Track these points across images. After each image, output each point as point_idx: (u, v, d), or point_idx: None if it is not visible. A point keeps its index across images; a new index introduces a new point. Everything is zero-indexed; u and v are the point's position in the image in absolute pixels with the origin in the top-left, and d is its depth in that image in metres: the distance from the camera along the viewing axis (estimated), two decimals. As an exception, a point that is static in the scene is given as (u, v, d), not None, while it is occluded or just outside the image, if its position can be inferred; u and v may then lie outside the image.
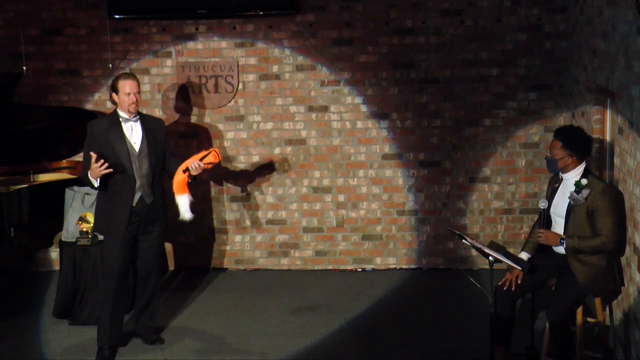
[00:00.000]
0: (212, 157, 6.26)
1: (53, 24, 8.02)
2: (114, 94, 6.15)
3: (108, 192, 6.12)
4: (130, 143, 6.13)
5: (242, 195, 8.13)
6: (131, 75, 6.24)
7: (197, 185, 8.11)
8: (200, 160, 6.22)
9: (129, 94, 6.09)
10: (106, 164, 5.91)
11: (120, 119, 6.15)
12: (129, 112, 6.13)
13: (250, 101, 8.04)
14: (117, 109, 6.17)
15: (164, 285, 7.61)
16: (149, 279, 6.34)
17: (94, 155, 5.92)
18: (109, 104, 8.03)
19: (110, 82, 6.26)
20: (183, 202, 6.18)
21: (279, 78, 7.98)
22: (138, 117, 6.20)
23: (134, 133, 6.17)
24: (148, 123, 6.27)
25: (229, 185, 8.13)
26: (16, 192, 6.79)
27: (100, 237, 6.38)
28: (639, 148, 5.38)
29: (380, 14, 7.84)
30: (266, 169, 8.08)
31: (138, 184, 6.13)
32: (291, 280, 7.87)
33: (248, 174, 8.10)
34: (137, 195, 6.14)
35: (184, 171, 6.17)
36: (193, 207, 6.23)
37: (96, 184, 6.01)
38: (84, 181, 6.14)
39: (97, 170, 5.92)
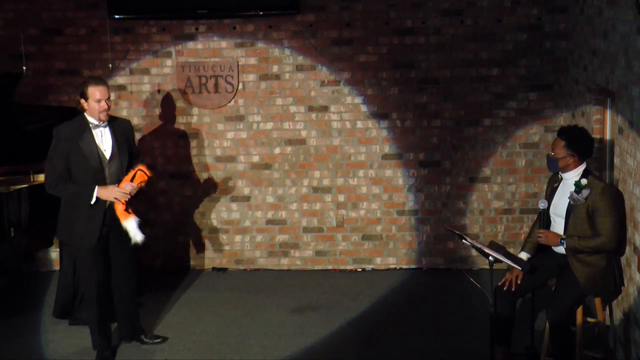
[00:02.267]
0: (140, 177, 5.97)
1: (53, 24, 8.02)
2: (82, 100, 5.89)
3: (75, 201, 5.93)
4: (100, 150, 5.94)
5: (242, 195, 8.13)
6: (101, 81, 5.99)
7: (194, 187, 8.13)
8: (131, 181, 5.96)
9: (99, 100, 5.86)
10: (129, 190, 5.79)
11: (90, 125, 5.93)
12: (100, 119, 5.91)
13: (250, 101, 8.03)
14: (86, 114, 5.94)
15: (164, 285, 7.62)
16: (125, 283, 6.22)
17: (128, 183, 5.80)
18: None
19: (80, 86, 6.03)
20: (131, 227, 5.94)
21: (279, 78, 7.98)
22: (107, 122, 5.97)
23: (104, 139, 5.96)
24: (116, 126, 6.05)
25: (229, 185, 8.13)
26: (16, 192, 6.79)
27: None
28: (639, 148, 5.38)
29: (380, 14, 7.84)
30: (266, 169, 8.08)
31: None
32: (291, 280, 7.86)
33: (248, 174, 8.10)
34: (107, 203, 5.96)
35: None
36: (142, 227, 6.02)
37: (93, 200, 5.86)
38: (50, 189, 5.90)
39: (121, 193, 5.81)
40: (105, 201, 5.93)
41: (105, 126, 5.98)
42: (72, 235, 6.04)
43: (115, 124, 6.07)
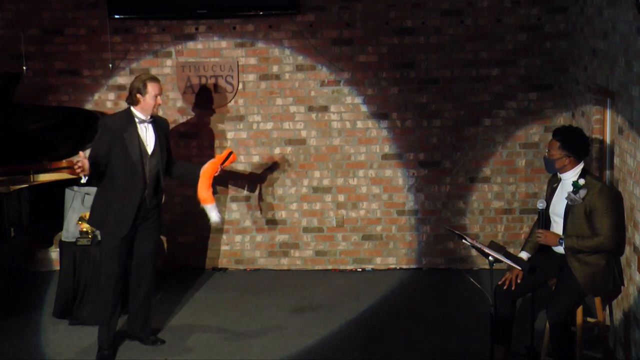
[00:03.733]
0: (232, 158, 6.42)
1: (53, 24, 8.02)
2: (138, 95, 6.03)
3: (112, 190, 6.04)
4: (143, 144, 6.08)
5: (242, 195, 8.13)
6: (157, 79, 6.20)
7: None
8: (222, 164, 6.30)
9: (156, 96, 6.07)
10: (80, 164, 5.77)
11: (136, 119, 6.08)
12: (151, 114, 6.09)
13: (250, 101, 8.04)
14: (132, 108, 6.09)
15: (164, 285, 7.62)
16: (144, 279, 6.28)
17: (81, 154, 5.82)
18: (109, 104, 8.06)
19: (134, 82, 6.10)
20: (215, 211, 6.26)
21: (279, 78, 7.98)
22: (152, 118, 6.15)
23: (147, 134, 6.11)
24: (157, 124, 6.22)
25: (229, 185, 8.13)
26: (16, 192, 6.79)
27: (97, 233, 6.35)
28: (639, 148, 5.38)
29: (380, 14, 7.84)
30: (266, 169, 8.08)
31: (147, 185, 6.09)
32: (291, 280, 7.86)
33: (248, 174, 8.10)
34: (144, 193, 6.08)
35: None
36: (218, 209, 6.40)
37: (84, 179, 5.92)
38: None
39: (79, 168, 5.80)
40: (143, 191, 6.05)
41: (150, 122, 6.12)
42: (106, 223, 6.11)
43: (156, 122, 6.23)
